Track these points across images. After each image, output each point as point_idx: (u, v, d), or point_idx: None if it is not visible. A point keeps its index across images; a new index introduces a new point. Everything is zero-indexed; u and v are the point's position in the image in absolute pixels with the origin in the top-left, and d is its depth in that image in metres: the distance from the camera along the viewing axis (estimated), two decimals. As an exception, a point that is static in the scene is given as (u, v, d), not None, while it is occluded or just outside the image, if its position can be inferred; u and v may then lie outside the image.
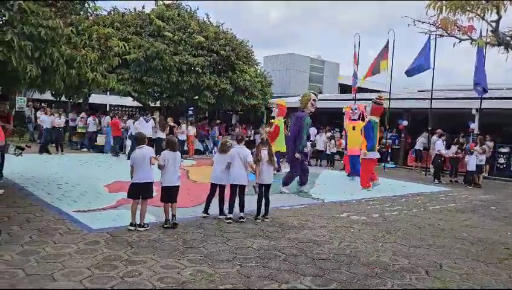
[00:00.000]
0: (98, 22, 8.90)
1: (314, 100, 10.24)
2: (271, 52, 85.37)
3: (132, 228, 5.72)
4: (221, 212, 6.72)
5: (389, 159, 18.36)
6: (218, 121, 21.58)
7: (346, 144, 13.49)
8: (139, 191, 5.85)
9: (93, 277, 4.03)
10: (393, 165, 17.87)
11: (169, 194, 6.02)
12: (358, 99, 16.59)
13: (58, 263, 4.32)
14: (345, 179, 12.72)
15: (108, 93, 23.88)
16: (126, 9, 20.24)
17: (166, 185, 6.03)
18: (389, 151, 18.56)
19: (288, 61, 30.40)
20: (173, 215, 6.01)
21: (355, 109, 12.94)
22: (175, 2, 20.65)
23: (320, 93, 24.39)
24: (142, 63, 17.49)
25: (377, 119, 11.29)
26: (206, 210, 6.78)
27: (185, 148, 16.65)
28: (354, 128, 12.73)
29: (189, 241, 5.39)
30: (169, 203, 6.01)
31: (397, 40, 17.48)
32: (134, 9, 20.16)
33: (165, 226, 5.93)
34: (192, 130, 17.85)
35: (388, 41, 16.18)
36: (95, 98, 24.15)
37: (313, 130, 17.49)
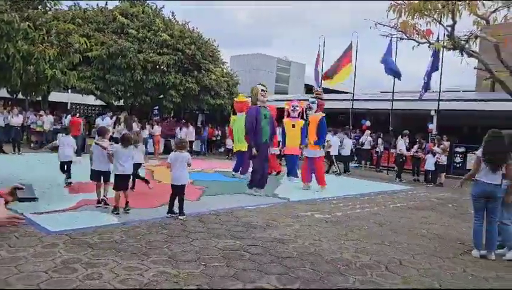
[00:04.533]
0: (58, 17, 8.62)
1: (262, 90, 9.90)
2: (238, 52, 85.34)
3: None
4: (172, 211, 6.75)
5: (354, 159, 18.77)
6: (183, 121, 21.36)
7: (284, 142, 12.38)
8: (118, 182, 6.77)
9: (50, 281, 3.88)
10: (357, 165, 18.29)
11: (122, 183, 6.75)
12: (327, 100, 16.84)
13: (13, 268, 4.13)
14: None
15: (69, 91, 23.12)
16: (88, 5, 19.70)
17: (116, 173, 6.83)
18: (353, 151, 18.96)
19: (255, 61, 30.53)
20: (127, 202, 6.74)
21: (296, 106, 12.20)
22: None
23: (286, 94, 24.62)
24: (104, 61, 17.06)
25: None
26: (170, 211, 6.72)
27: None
28: (293, 126, 12.06)
29: (152, 242, 5.30)
30: (122, 191, 6.72)
31: (363, 42, 17.83)
32: (97, 5, 19.65)
33: (115, 212, 6.58)
34: (158, 130, 17.60)
35: (351, 43, 16.53)
36: (55, 96, 23.31)
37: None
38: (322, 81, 17.51)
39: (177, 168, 6.73)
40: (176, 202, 6.72)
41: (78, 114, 17.11)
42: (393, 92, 16.47)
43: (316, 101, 11.02)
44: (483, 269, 5.08)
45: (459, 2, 5.12)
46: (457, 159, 16.29)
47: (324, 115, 10.88)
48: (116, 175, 6.82)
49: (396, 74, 15.56)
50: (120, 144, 6.91)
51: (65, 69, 7.37)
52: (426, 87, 15.52)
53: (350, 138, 18.27)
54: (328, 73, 16.75)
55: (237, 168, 12.39)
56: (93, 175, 7.29)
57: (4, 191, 2.15)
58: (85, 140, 15.79)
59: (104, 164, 7.10)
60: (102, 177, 7.18)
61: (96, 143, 7.29)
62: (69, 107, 25.52)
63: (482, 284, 4.58)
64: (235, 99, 13.80)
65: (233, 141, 13.42)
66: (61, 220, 6.06)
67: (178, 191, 6.73)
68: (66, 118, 17.13)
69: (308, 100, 11.69)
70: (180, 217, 6.60)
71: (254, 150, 9.30)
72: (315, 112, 10.89)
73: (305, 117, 11.41)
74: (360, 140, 18.22)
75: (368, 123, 18.55)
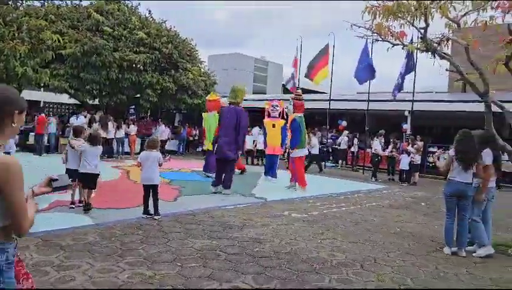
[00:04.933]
0: (30, 13, 8.39)
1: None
2: (216, 51, 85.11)
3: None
4: (147, 212, 6.69)
5: (330, 158, 18.99)
6: (160, 120, 21.13)
7: (265, 142, 12.63)
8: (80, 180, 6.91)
9: (21, 285, 3.77)
10: (334, 165, 18.50)
11: (89, 181, 6.83)
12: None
13: (-19, 271, 4.00)
14: (288, 178, 12.71)
15: (42, 89, 22.53)
16: (62, 1, 19.23)
17: (81, 171, 6.89)
18: (330, 150, 19.18)
19: (232, 61, 30.50)
20: (88, 203, 6.76)
21: (276, 106, 12.26)
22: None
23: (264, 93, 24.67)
24: (79, 59, 16.69)
25: (301, 115, 10.97)
26: (145, 211, 6.65)
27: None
28: (274, 125, 12.10)
29: (127, 243, 5.22)
30: (86, 189, 6.84)
31: (340, 42, 18.07)
32: (71, 1, 19.21)
33: (71, 206, 6.87)
34: (134, 129, 17.35)
35: (328, 44, 16.69)
36: (28, 95, 22.65)
37: (256, 130, 17.66)
38: (311, 79, 17.42)
39: (147, 168, 6.66)
40: (152, 202, 6.65)
41: (45, 113, 16.64)
42: (368, 93, 16.74)
43: (292, 102, 11.09)
44: (454, 265, 5.22)
45: (432, 5, 5.25)
46: (431, 159, 16.68)
47: (299, 115, 10.88)
48: (82, 174, 6.83)
49: (367, 75, 15.75)
50: (88, 142, 6.96)
51: (37, 67, 7.19)
52: (400, 88, 15.84)
53: (327, 138, 18.50)
54: (308, 73, 16.83)
55: (207, 168, 12.44)
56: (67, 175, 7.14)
57: (41, 184, 2.25)
58: (58, 139, 15.43)
59: (78, 163, 6.98)
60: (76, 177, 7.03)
61: (69, 142, 7.22)
62: (41, 106, 24.88)
63: (452, 280, 4.71)
64: (207, 97, 13.54)
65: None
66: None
67: (150, 191, 6.66)
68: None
69: (285, 100, 11.78)
70: (155, 217, 6.53)
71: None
72: (293, 112, 10.98)
73: (285, 117, 11.52)
74: (338, 140, 18.45)
75: (344, 123, 18.80)
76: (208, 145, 12.38)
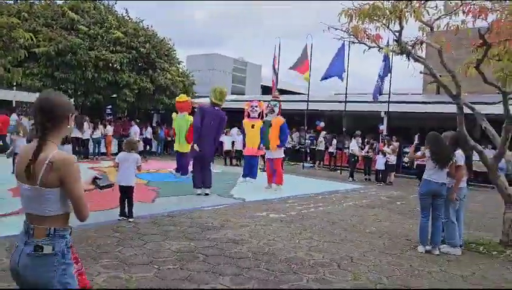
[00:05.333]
0: (2, 10, 8.15)
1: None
2: (195, 51, 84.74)
3: None
4: (123, 214, 6.61)
5: (308, 158, 19.13)
6: (138, 120, 20.86)
7: (244, 143, 12.46)
8: None
9: (-9, 290, 3.67)
10: (311, 165, 18.65)
11: None
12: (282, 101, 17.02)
13: (-52, 277, 3.87)
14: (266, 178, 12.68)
15: (14, 88, 21.93)
16: (36, -1, 18.77)
17: None
18: (307, 151, 19.32)
19: (211, 61, 30.36)
20: None
21: (256, 107, 11.99)
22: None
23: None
24: (53, 58, 16.32)
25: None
26: (122, 213, 6.56)
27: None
28: (253, 126, 11.81)
29: (103, 246, 5.14)
30: None
31: (318, 43, 18.19)
32: (45, -1, 18.77)
33: None
34: (110, 130, 17.08)
35: (306, 46, 16.83)
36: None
37: (235, 131, 17.63)
38: (302, 74, 17.42)
39: (124, 169, 6.58)
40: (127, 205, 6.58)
41: (18, 113, 16.15)
42: (346, 94, 16.95)
43: (278, 104, 11.20)
44: (428, 263, 5.35)
45: (406, 9, 5.37)
46: (406, 159, 17.00)
47: (284, 119, 11.06)
48: None
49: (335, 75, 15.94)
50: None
51: (9, 66, 6.98)
52: (380, 90, 16.13)
53: (305, 138, 18.64)
54: (294, 67, 16.90)
55: (179, 169, 12.46)
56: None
57: (86, 182, 2.43)
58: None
59: None
60: None
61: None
62: (13, 105, 24.21)
63: (426, 277, 4.82)
64: (176, 98, 13.23)
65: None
66: (3, 225, 5.75)
67: (125, 192, 6.58)
68: (11, 117, 16.22)
69: (264, 101, 11.77)
70: (130, 220, 6.45)
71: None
72: (277, 115, 11.07)
73: (264, 118, 11.51)
74: (318, 141, 18.63)
75: (322, 124, 18.96)
76: (177, 146, 12.37)
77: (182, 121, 12.14)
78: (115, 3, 20.24)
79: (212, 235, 6.00)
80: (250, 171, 12.01)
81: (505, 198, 6.26)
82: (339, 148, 17.81)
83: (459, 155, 5.92)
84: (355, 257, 5.42)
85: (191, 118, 11.63)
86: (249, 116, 12.06)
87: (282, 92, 22.29)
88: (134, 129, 17.49)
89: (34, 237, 2.12)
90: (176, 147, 12.50)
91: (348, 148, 15.57)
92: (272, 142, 10.80)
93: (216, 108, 9.76)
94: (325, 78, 16.08)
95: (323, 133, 18.45)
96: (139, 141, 18.46)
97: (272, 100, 11.39)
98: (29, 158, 2.05)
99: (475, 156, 6.83)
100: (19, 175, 2.14)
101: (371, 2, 5.46)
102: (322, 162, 18.54)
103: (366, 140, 15.59)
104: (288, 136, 14.04)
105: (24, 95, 22.82)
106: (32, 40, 7.17)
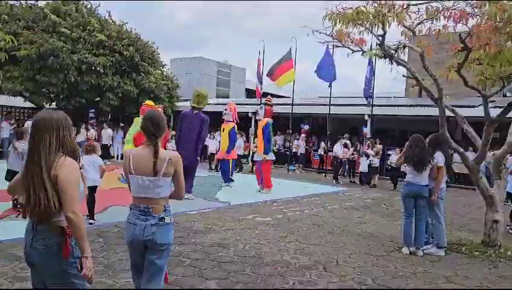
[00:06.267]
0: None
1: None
2: (179, 55, 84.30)
3: None
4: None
5: (293, 161, 19.17)
6: (121, 124, 20.64)
7: (219, 147, 12.39)
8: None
9: (-29, 299, 3.58)
10: (294, 168, 18.69)
11: None
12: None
13: None
14: (253, 182, 12.16)
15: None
16: (16, 0, 18.45)
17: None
18: (292, 154, 19.37)
19: (195, 64, 30.22)
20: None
21: (226, 110, 11.64)
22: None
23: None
24: (34, 61, 16.06)
25: (270, 120, 11.29)
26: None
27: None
28: (223, 130, 11.58)
29: (87, 251, 5.05)
30: None
31: (303, 46, 18.29)
32: (25, 1, 18.45)
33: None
34: (94, 133, 16.84)
35: (290, 50, 16.90)
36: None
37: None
38: (273, 81, 17.41)
39: (92, 170, 6.53)
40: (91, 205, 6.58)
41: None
42: (330, 97, 17.07)
43: (264, 107, 11.26)
44: (412, 264, 5.42)
45: (389, 14, 5.45)
46: (389, 162, 17.19)
47: (267, 122, 11.15)
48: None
49: (330, 75, 16.03)
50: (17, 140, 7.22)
51: (-11, 69, 6.84)
52: (368, 94, 16.34)
53: (290, 141, 18.71)
54: (269, 75, 16.92)
55: None
56: (8, 175, 7.06)
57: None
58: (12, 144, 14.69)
59: (17, 164, 6.85)
60: None
61: (13, 144, 7.42)
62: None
63: (411, 278, 4.88)
64: (143, 103, 13.10)
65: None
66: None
67: (91, 193, 6.53)
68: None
69: (249, 104, 11.84)
70: (91, 222, 6.40)
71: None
72: (264, 117, 11.19)
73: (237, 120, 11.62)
74: (295, 144, 18.71)
75: (306, 127, 19.06)
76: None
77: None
78: (99, 5, 20.05)
79: (198, 239, 5.97)
80: (222, 175, 11.81)
81: (487, 199, 6.38)
82: (324, 151, 17.90)
83: (440, 156, 6.01)
84: (341, 259, 5.46)
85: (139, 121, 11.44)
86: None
87: (266, 95, 22.32)
88: (108, 133, 17.23)
89: (154, 213, 2.89)
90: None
91: (331, 151, 15.69)
92: (259, 144, 11.11)
93: (195, 111, 9.73)
94: (316, 74, 16.07)
95: (303, 136, 18.53)
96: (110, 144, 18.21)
97: (261, 103, 11.58)
98: (153, 159, 2.80)
99: (457, 158, 6.96)
100: (136, 170, 2.87)
101: (354, 7, 5.53)
102: (301, 165, 18.52)
103: (350, 142, 15.72)
104: (272, 139, 14.03)
105: (5, 98, 22.37)
106: (13, 42, 7.03)
